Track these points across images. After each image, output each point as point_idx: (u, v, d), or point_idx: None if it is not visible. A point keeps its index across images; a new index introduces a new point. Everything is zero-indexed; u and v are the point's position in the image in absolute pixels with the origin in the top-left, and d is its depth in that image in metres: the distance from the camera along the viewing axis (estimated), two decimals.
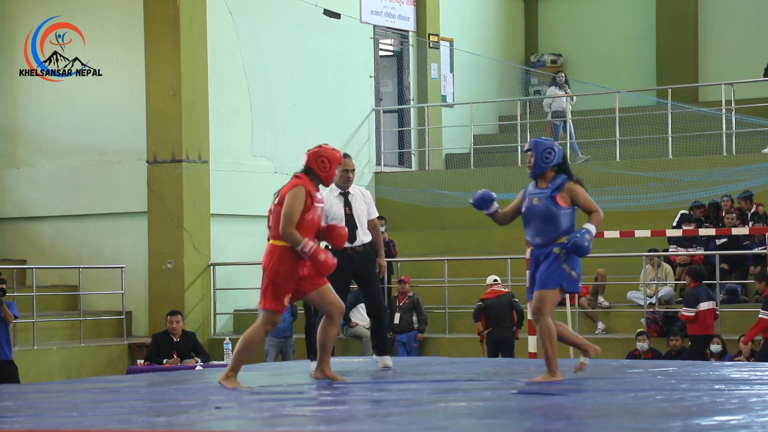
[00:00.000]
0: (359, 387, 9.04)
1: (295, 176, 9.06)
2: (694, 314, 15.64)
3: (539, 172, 9.14)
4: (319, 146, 9.16)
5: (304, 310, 18.13)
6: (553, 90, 22.60)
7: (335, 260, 9.03)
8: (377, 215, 10.74)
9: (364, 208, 10.51)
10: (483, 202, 9.35)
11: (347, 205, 10.43)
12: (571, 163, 21.11)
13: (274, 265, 8.92)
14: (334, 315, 9.20)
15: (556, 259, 9.01)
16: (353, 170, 10.45)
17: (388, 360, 10.66)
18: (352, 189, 10.50)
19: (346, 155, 10.34)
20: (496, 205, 9.32)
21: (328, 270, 8.96)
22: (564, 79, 22.69)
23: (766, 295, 15.26)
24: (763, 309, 15.08)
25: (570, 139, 21.95)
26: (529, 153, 9.17)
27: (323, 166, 9.02)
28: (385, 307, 10.75)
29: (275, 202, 9.01)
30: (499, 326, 16.60)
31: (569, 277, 9.01)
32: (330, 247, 9.96)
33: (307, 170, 9.06)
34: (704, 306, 15.67)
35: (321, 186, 9.23)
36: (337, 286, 9.77)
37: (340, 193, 10.44)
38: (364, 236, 10.46)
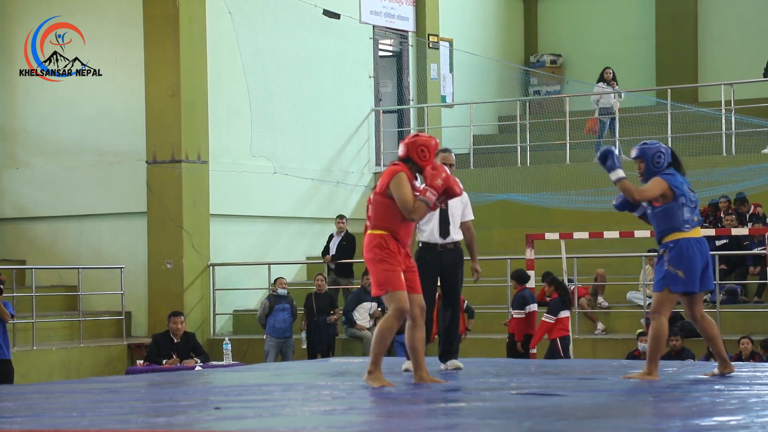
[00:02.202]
0: (359, 387, 9.03)
1: (393, 164, 8.90)
2: (524, 315, 15.70)
3: (651, 177, 9.03)
4: (416, 135, 8.99)
5: (305, 311, 18.20)
6: (600, 87, 22.20)
7: (446, 170, 8.82)
8: (472, 218, 10.46)
9: (460, 207, 10.25)
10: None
11: None
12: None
13: (377, 252, 8.73)
14: (416, 316, 8.90)
15: (660, 260, 8.96)
16: (452, 165, 10.16)
17: (458, 362, 10.31)
18: None
19: (446, 150, 10.25)
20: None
21: (455, 185, 8.76)
22: (611, 75, 22.30)
23: (552, 299, 15.59)
24: (547, 313, 15.43)
25: (612, 136, 21.75)
26: (638, 160, 9.02)
27: (423, 155, 8.80)
28: (459, 314, 10.45)
29: (374, 191, 8.87)
30: None
31: (675, 277, 8.88)
32: (422, 245, 10.07)
33: (406, 159, 8.86)
34: (532, 307, 15.77)
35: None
36: (424, 282, 9.64)
37: None
38: (455, 234, 10.23)
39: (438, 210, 10.00)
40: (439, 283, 10.39)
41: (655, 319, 9.01)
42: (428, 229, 10.21)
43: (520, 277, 15.80)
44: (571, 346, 15.61)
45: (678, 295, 9.00)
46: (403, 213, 8.73)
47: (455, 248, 10.28)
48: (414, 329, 8.91)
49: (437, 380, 9.09)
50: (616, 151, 9.24)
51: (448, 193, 8.83)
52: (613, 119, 21.89)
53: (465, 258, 10.49)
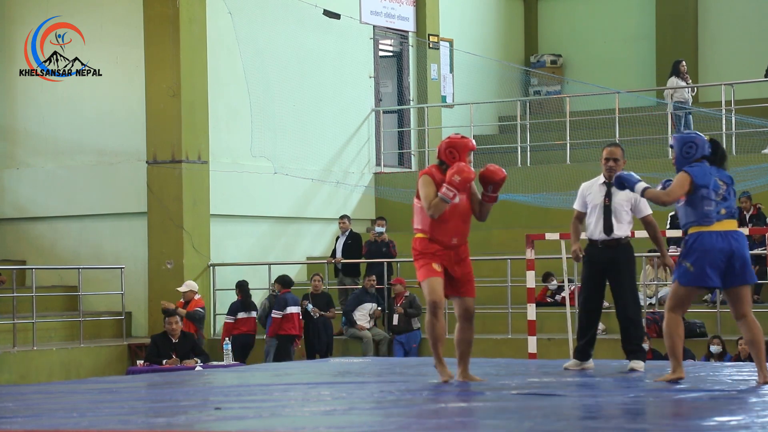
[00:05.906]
0: (360, 387, 9.04)
1: (427, 167, 9.32)
2: (281, 316, 17.63)
3: (681, 167, 9.01)
4: (449, 137, 9.31)
5: (303, 312, 18.19)
6: (674, 80, 21.75)
7: (468, 167, 9.06)
8: (650, 212, 10.19)
9: (626, 202, 10.05)
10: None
11: (608, 195, 10.04)
12: None
13: (416, 254, 9.15)
14: (460, 318, 9.25)
15: (680, 254, 8.95)
16: (615, 159, 10.04)
17: (638, 364, 10.04)
18: None
19: (612, 144, 10.21)
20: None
21: (469, 171, 9.06)
22: (686, 68, 21.94)
23: (233, 302, 18.00)
24: (227, 314, 18.03)
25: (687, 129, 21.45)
26: (672, 149, 9.08)
27: (452, 156, 9.16)
28: (636, 310, 10.09)
29: (415, 197, 9.25)
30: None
31: (685, 270, 8.83)
32: (588, 241, 10.02)
33: (440, 162, 9.24)
34: (291, 310, 17.72)
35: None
36: (589, 280, 9.80)
37: (603, 182, 10.12)
38: (619, 231, 10.03)
39: (602, 205, 10.03)
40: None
41: (666, 315, 8.98)
42: (591, 225, 10.11)
43: (285, 282, 17.88)
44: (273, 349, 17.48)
45: (692, 289, 8.88)
46: (426, 209, 9.04)
47: (619, 245, 10.07)
48: (459, 330, 9.24)
49: (479, 378, 9.32)
50: (625, 173, 9.29)
51: (494, 183, 9.23)
52: (688, 114, 21.64)
53: (639, 254, 10.26)
